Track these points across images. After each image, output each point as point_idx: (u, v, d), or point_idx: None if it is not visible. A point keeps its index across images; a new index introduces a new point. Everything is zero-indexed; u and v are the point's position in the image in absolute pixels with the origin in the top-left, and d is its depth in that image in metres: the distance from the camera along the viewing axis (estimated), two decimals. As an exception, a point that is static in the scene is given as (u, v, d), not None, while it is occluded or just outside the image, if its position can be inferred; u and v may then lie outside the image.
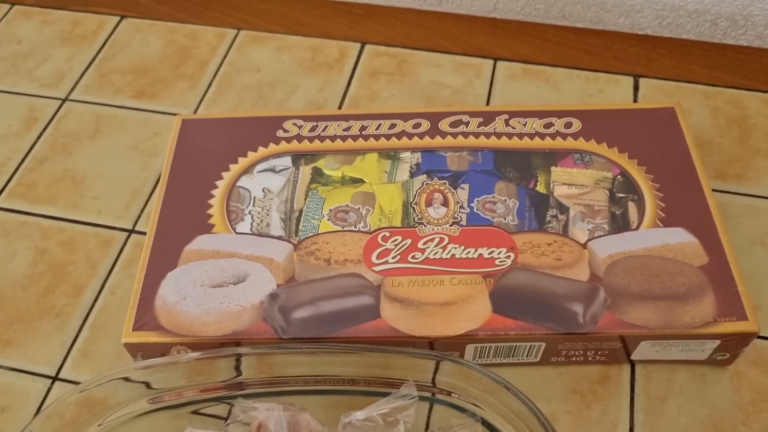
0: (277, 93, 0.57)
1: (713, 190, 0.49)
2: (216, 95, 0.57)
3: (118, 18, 0.63)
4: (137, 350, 0.40)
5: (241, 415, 0.33)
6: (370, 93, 0.56)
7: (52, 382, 0.43)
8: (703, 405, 0.41)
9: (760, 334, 0.43)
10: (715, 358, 0.41)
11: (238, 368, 0.38)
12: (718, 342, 0.39)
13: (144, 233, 0.49)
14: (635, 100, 0.54)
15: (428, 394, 0.37)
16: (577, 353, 0.40)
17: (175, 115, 0.56)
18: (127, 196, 0.51)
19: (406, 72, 0.57)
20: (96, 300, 0.46)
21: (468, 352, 0.40)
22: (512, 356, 0.41)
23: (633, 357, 0.41)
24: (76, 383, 0.43)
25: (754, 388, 0.41)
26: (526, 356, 0.41)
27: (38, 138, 0.55)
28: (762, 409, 0.40)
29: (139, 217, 0.50)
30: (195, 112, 0.56)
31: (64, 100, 0.57)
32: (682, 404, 0.41)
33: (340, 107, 0.55)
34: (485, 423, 0.36)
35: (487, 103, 0.55)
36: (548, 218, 0.43)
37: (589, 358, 0.41)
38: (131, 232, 0.49)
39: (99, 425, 0.37)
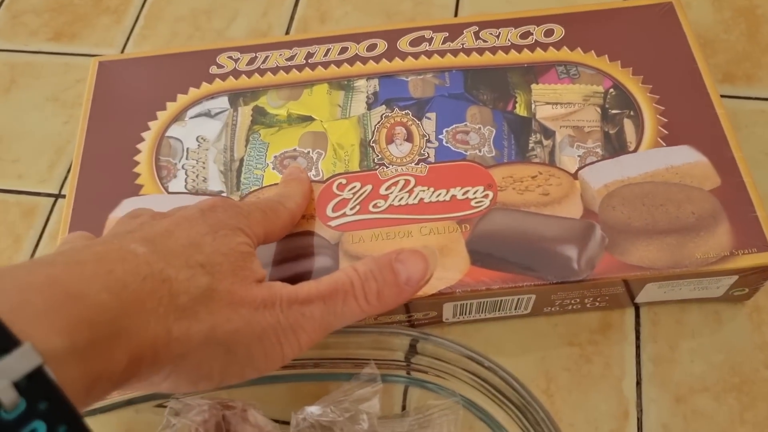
0: (214, 21, 0.49)
1: (721, 96, 0.42)
2: (145, 30, 0.49)
3: (27, -52, 0.55)
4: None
5: (174, 421, 0.28)
6: (321, 13, 0.49)
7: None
8: (720, 348, 0.35)
9: (781, 261, 0.37)
10: (731, 294, 0.35)
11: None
12: (735, 278, 0.34)
13: (71, 198, 0.43)
14: (626, -3, 0.47)
15: (402, 373, 0.32)
16: (573, 302, 0.35)
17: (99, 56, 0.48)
18: (51, 156, 0.45)
19: (361, -15, 0.49)
20: (22, 280, 0.40)
21: (447, 310, 0.35)
22: (498, 311, 0.35)
23: (637, 300, 0.36)
24: None
25: (776, 323, 0.36)
26: (515, 309, 0.35)
27: (-56, 96, 0.48)
28: (787, 348, 0.35)
29: (65, 179, 0.44)
30: (122, 51, 0.49)
31: (-29, 50, 0.50)
32: (695, 349, 0.35)
33: (287, 32, 0.48)
34: (467, 400, 0.30)
35: (456, 14, 0.47)
36: (531, 145, 0.37)
37: (588, 305, 0.35)
38: (57, 197, 0.43)
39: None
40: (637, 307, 0.37)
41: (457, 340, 0.29)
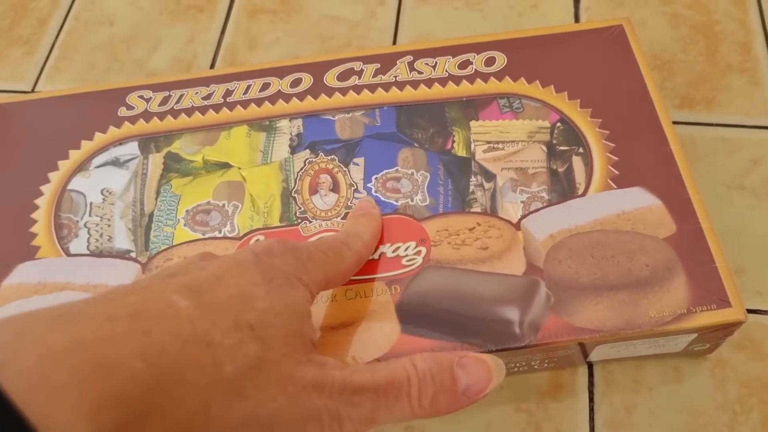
0: (135, 51, 0.45)
1: (677, 122, 0.39)
2: (60, 62, 0.45)
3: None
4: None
5: None
6: (249, 39, 0.45)
7: None
8: (680, 410, 0.32)
9: (749, 309, 0.34)
10: (692, 349, 0.32)
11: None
12: (694, 335, 0.30)
13: (-28, 255, 0.39)
14: (576, 16, 0.44)
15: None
16: (518, 365, 0.32)
17: (10, 93, 0.44)
18: (-48, 207, 0.40)
19: (293, 7, 0.46)
20: None
21: (378, 380, 0.31)
22: (436, 377, 0.32)
23: (590, 359, 0.32)
24: None
25: (740, 379, 0.33)
26: (455, 375, 0.32)
27: None
28: (752, 407, 0.32)
29: (-33, 232, 0.40)
30: (34, 86, 0.45)
31: None
32: (654, 411, 0.32)
33: (213, 62, 0.44)
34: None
35: (395, 38, 0.44)
36: (471, 189, 0.33)
37: (535, 367, 0.32)
38: (-42, 253, 0.39)
39: None
40: (590, 365, 0.33)
41: None
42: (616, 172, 0.33)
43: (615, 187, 0.33)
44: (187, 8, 0.46)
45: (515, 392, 0.33)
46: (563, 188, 0.33)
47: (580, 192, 0.33)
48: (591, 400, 0.33)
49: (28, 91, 0.44)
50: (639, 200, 0.32)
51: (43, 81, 0.45)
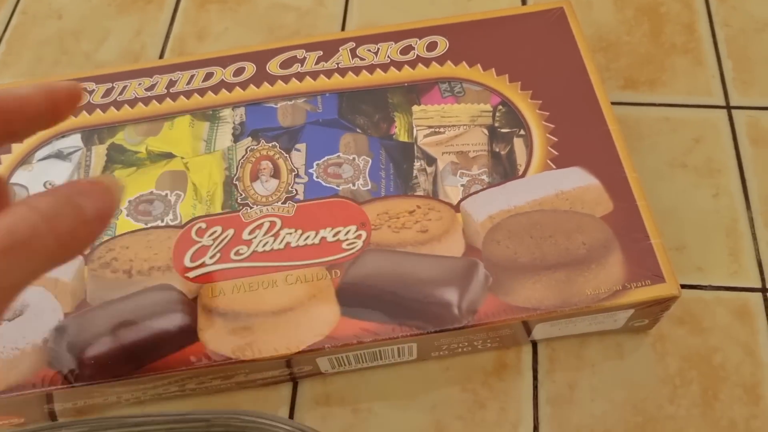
0: (83, 43, 0.45)
1: (621, 103, 0.40)
2: (7, 56, 0.45)
3: None
4: None
5: None
6: (198, 29, 0.45)
7: None
8: (622, 385, 0.33)
9: (685, 284, 0.35)
10: (632, 325, 0.33)
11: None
12: (631, 311, 0.31)
13: None
14: (524, 1, 0.44)
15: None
16: (461, 345, 0.32)
17: (-43, 87, 0.44)
18: None
19: (242, -4, 0.46)
20: None
21: (322, 364, 0.31)
22: (380, 359, 0.32)
23: (533, 337, 0.33)
24: None
25: (680, 353, 0.33)
26: (399, 357, 0.32)
27: None
28: (691, 380, 0.33)
29: None
30: (-18, 80, 0.44)
31: None
32: (596, 387, 0.33)
33: (162, 53, 0.44)
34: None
35: (343, 26, 0.44)
36: (414, 173, 0.34)
37: (479, 347, 0.33)
38: None
39: None
40: (534, 344, 0.34)
41: (277, 416, 0.25)
42: (556, 153, 0.33)
43: (554, 167, 0.33)
44: (135, 0, 0.46)
45: (461, 373, 0.33)
46: (505, 170, 0.33)
47: (520, 173, 0.33)
48: (535, 378, 0.33)
49: (-24, 86, 0.44)
50: (577, 180, 0.33)
51: (-9, 76, 0.44)
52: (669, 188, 0.37)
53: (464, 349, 0.32)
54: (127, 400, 0.32)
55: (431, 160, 0.34)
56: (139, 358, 0.30)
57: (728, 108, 0.39)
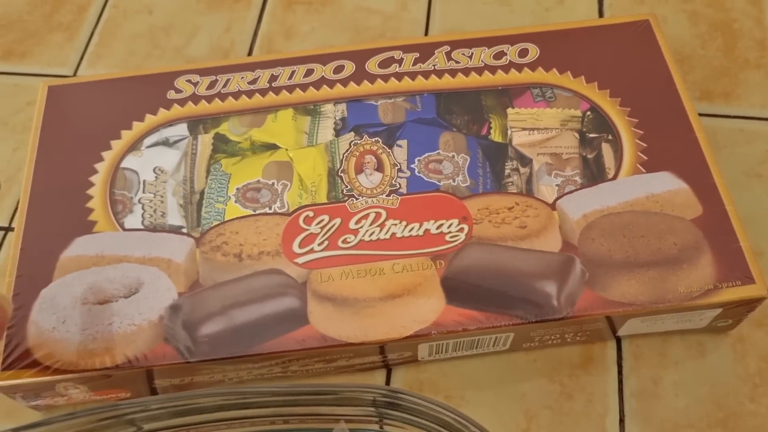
0: (174, 38, 0.47)
1: (699, 114, 0.41)
2: (100, 48, 0.47)
3: (-28, -41, 0.52)
4: (14, 392, 0.32)
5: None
6: (286, 29, 0.46)
7: None
8: (704, 381, 0.34)
9: None
10: (715, 325, 0.34)
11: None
12: (719, 310, 0.32)
13: (21, 231, 0.40)
14: (600, 12, 0.46)
15: (375, 428, 0.30)
16: (553, 338, 0.33)
17: (52, 77, 0.46)
18: None
19: (327, -1, 0.47)
20: (-31, 321, 0.38)
21: (422, 350, 0.33)
22: (476, 348, 0.33)
23: (619, 333, 0.34)
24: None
25: (760, 354, 0.35)
26: (493, 346, 0.34)
27: None
28: (772, 380, 0.34)
29: (15, 210, 0.41)
30: (75, 71, 0.46)
31: None
32: (679, 383, 0.34)
33: (250, 50, 0.46)
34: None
35: (426, 31, 0.46)
36: (507, 172, 0.35)
37: (568, 340, 0.34)
38: (7, 230, 0.41)
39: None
40: (618, 340, 0.35)
41: (431, 398, 0.27)
42: (645, 158, 0.35)
43: (644, 171, 0.35)
44: (223, -2, 0.48)
45: (548, 364, 0.35)
46: (593, 173, 0.35)
47: (610, 176, 0.35)
48: (620, 372, 0.35)
49: (69, 75, 0.46)
50: (667, 184, 0.34)
51: (84, 66, 0.46)
52: (746, 197, 0.39)
53: (554, 341, 0.34)
54: (231, 379, 0.34)
55: (526, 161, 0.35)
56: (250, 338, 0.31)
57: (801, 122, 0.41)
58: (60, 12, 0.48)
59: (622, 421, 0.33)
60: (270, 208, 0.34)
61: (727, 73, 0.43)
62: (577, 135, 0.36)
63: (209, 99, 0.38)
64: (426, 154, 0.35)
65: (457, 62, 0.38)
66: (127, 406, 0.28)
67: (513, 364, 0.35)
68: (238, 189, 0.35)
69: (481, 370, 0.35)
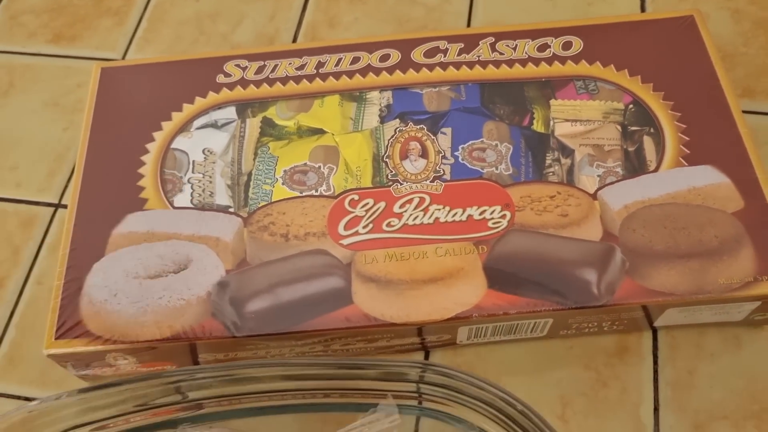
0: (220, 25, 0.48)
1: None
2: (148, 33, 0.48)
3: (26, -55, 0.53)
4: (65, 361, 0.33)
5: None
6: (329, 18, 0.47)
7: (-25, 397, 0.36)
8: (740, 374, 0.34)
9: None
10: (752, 318, 0.34)
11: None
12: (758, 303, 0.33)
13: (72, 208, 0.41)
14: (642, 7, 0.46)
15: (414, 403, 0.31)
16: (590, 325, 0.34)
17: (101, 60, 0.47)
18: (50, 164, 0.43)
19: (371, -11, 0.48)
20: (21, 293, 0.39)
21: (461, 333, 0.34)
22: (514, 333, 0.34)
23: (656, 324, 0.35)
24: (2, 396, 0.36)
25: (798, 349, 0.35)
26: (531, 332, 0.34)
27: (-60, 99, 0.46)
28: (808, 375, 0.34)
29: (65, 188, 0.42)
30: (124, 55, 0.47)
31: (-32, 51, 0.48)
32: (715, 375, 0.35)
33: (295, 38, 0.47)
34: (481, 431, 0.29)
35: (469, 23, 0.46)
36: (549, 162, 0.36)
37: (605, 329, 0.35)
38: (57, 206, 0.42)
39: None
40: (654, 331, 0.36)
41: (469, 371, 0.28)
42: (687, 151, 0.35)
43: (686, 164, 0.35)
44: (269, -13, 0.49)
45: (584, 352, 0.35)
46: (634, 165, 0.35)
47: (651, 168, 0.35)
48: (655, 362, 0.35)
49: (118, 59, 0.47)
50: (709, 177, 0.35)
51: (133, 50, 0.47)
52: (785, 194, 0.39)
53: (591, 329, 0.34)
54: (273, 356, 0.35)
55: (568, 152, 0.36)
56: (295, 316, 0.32)
57: (843, 121, 0.41)
58: (110, -3, 0.50)
59: (656, 410, 0.34)
60: (316, 191, 0.35)
61: (769, 71, 0.43)
62: (619, 127, 0.37)
63: (257, 84, 0.39)
64: (470, 142, 0.36)
65: (501, 53, 0.39)
66: (178, 373, 0.29)
67: (550, 350, 0.35)
68: (285, 171, 0.36)
69: (518, 355, 0.35)
